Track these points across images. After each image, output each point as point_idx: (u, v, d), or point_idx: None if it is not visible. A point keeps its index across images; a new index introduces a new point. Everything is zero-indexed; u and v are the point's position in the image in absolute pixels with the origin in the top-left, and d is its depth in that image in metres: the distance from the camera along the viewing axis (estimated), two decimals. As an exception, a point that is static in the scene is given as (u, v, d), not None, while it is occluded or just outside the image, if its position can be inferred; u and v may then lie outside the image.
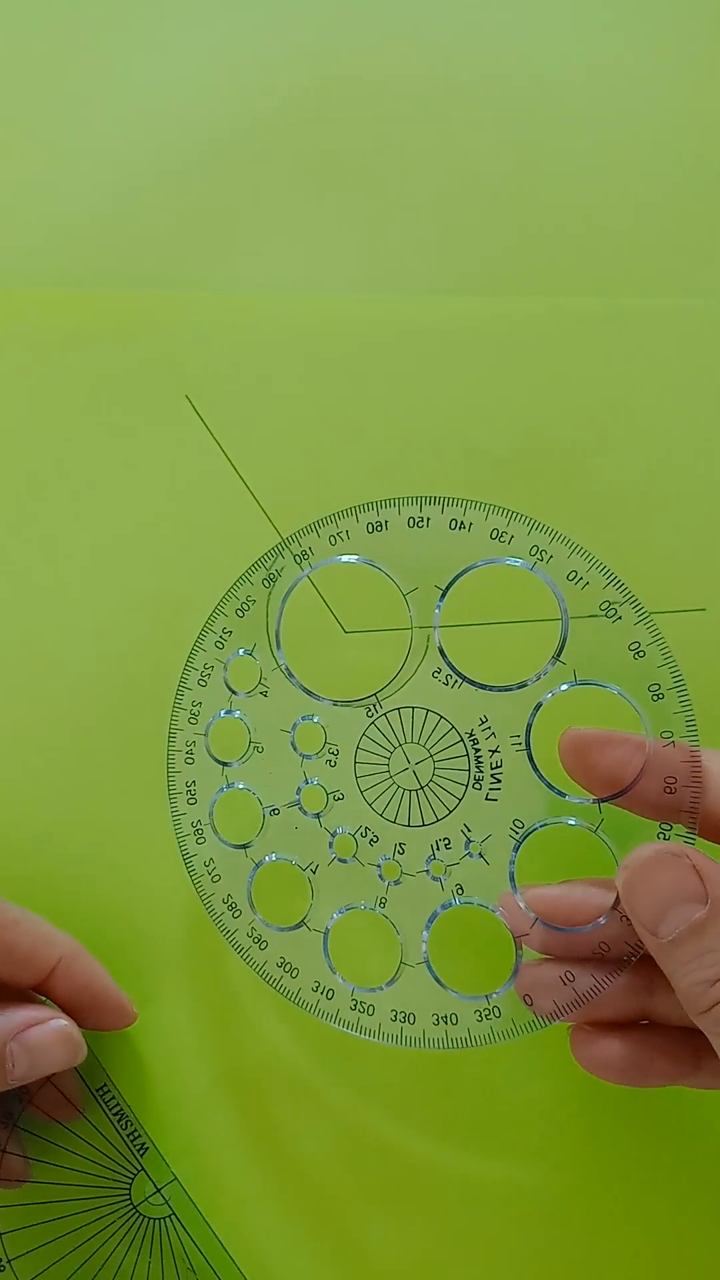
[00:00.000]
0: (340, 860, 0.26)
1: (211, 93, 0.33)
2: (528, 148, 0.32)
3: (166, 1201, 0.26)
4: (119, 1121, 0.27)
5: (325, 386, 0.31)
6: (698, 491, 0.30)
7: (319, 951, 0.26)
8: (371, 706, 0.26)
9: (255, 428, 0.31)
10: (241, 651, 0.27)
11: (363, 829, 0.26)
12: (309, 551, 0.26)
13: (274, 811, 0.27)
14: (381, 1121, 0.27)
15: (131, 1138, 0.27)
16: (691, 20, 0.32)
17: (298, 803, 0.26)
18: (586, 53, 0.32)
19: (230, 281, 0.32)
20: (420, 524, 0.25)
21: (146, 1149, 0.27)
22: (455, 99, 0.32)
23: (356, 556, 0.26)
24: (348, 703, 0.26)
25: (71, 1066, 0.26)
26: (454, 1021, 0.25)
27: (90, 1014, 0.27)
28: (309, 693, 0.26)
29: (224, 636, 0.27)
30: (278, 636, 0.27)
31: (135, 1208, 0.26)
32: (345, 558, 0.26)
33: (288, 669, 0.27)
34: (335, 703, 0.26)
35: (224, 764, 0.27)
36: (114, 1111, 0.27)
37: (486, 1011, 0.25)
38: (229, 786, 0.27)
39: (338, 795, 0.26)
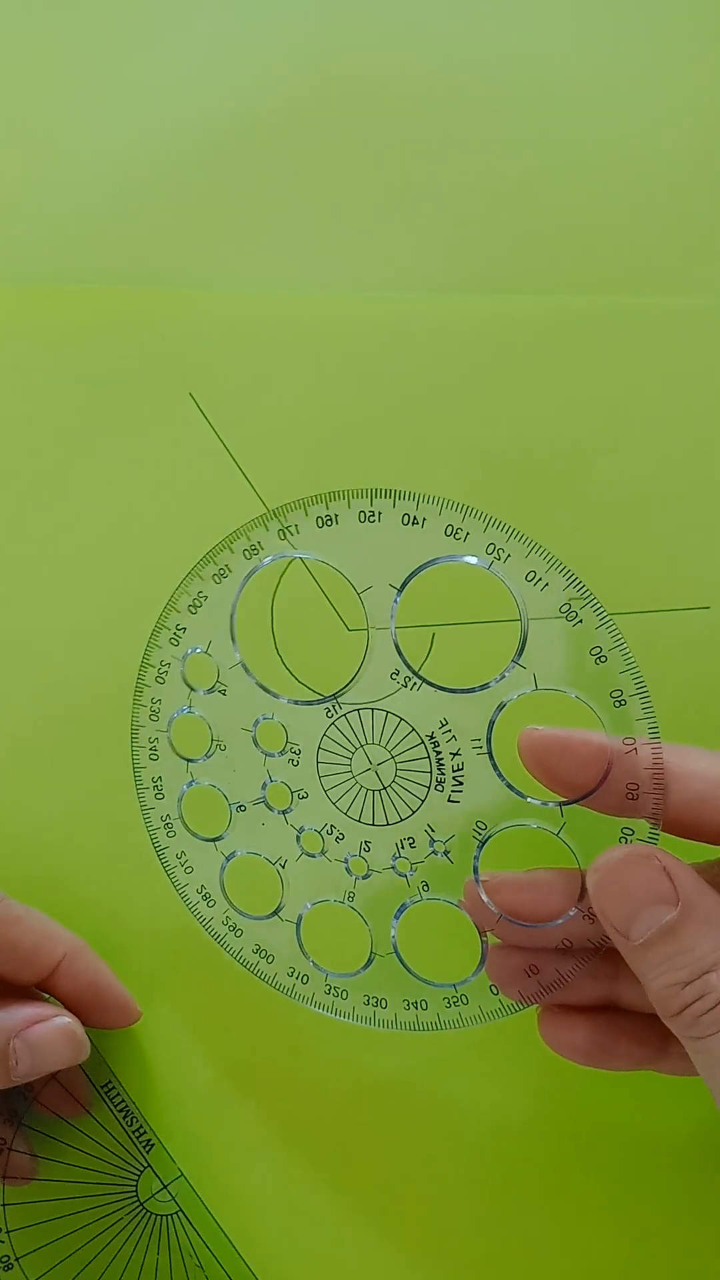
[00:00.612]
0: (308, 855, 0.26)
1: (215, 89, 0.32)
2: (531, 145, 0.31)
3: (173, 1198, 0.27)
4: (124, 1118, 0.28)
5: (329, 384, 0.31)
6: (701, 489, 0.29)
7: (293, 939, 0.27)
8: (330, 707, 0.25)
9: (259, 425, 0.30)
10: (198, 649, 0.26)
11: (328, 826, 0.26)
12: (258, 546, 0.25)
13: (240, 808, 0.27)
14: (386, 1116, 0.28)
15: (137, 1134, 0.28)
16: (695, 18, 0.31)
17: (263, 799, 0.26)
18: (589, 51, 0.32)
19: (234, 279, 0.31)
20: (371, 519, 0.24)
21: (152, 1145, 0.28)
22: (458, 97, 0.32)
23: (308, 553, 0.24)
24: (305, 702, 0.25)
25: (75, 1064, 0.27)
26: (424, 1007, 0.26)
27: (94, 1011, 0.28)
28: (266, 690, 0.26)
29: (178, 633, 0.26)
30: (233, 632, 0.26)
31: (142, 1204, 0.27)
32: (296, 553, 0.25)
33: (244, 665, 0.26)
34: (293, 701, 0.25)
35: (188, 760, 0.27)
36: (119, 1108, 0.28)
37: (455, 999, 0.25)
38: (194, 783, 0.27)
39: (302, 794, 0.26)
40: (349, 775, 0.25)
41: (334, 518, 0.24)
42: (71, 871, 0.30)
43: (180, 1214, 0.27)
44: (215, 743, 0.26)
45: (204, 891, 0.27)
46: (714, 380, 0.29)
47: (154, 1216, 0.27)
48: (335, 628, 0.29)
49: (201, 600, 0.26)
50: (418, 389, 0.30)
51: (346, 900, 0.26)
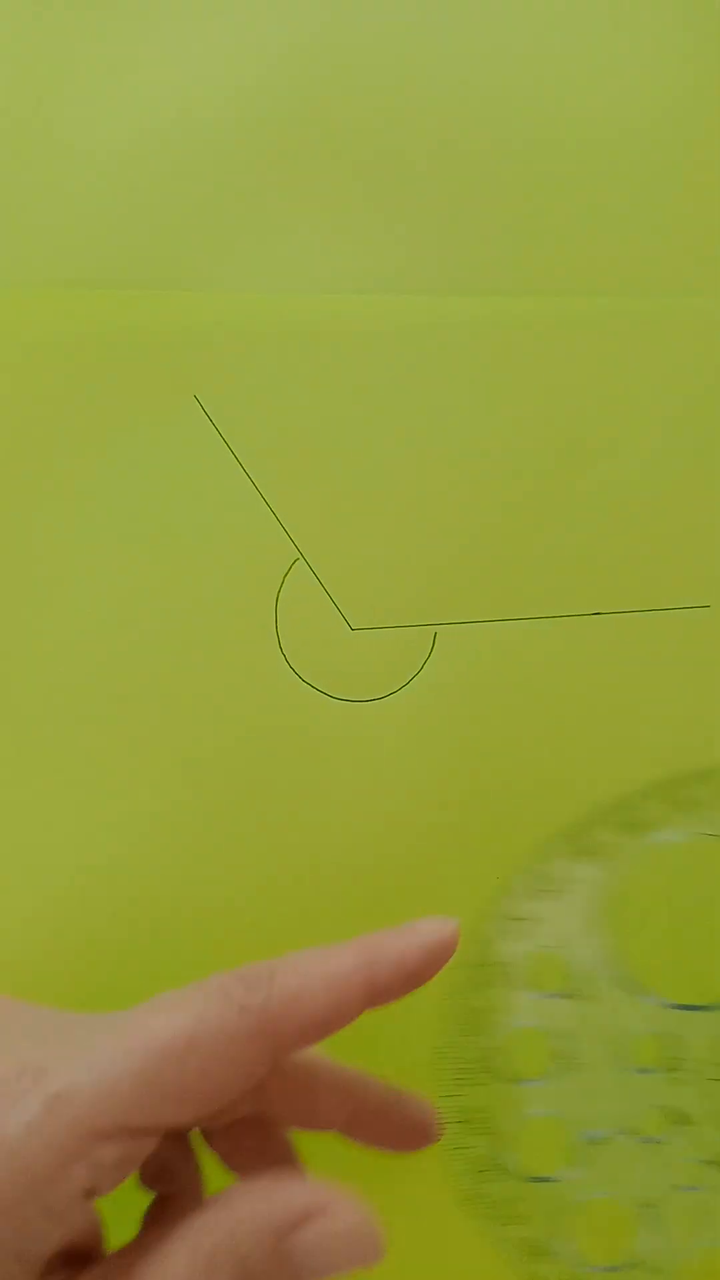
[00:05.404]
0: (689, 1190, 0.22)
1: (216, 91, 0.32)
2: (531, 146, 0.32)
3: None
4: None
5: (334, 387, 0.30)
6: (700, 487, 0.29)
7: None
8: (723, 1010, 0.22)
9: (265, 428, 0.30)
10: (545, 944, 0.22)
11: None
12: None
13: (594, 1137, 0.22)
14: None
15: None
16: (696, 17, 0.32)
17: (629, 1126, 0.22)
18: (589, 50, 0.32)
19: (237, 282, 0.31)
20: None
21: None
22: (460, 98, 0.32)
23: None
24: (696, 1007, 0.22)
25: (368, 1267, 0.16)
26: None
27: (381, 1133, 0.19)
28: (641, 992, 0.22)
29: (518, 923, 0.22)
30: (596, 922, 0.22)
31: None
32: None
33: (609, 962, 0.22)
34: (678, 1007, 0.22)
35: (522, 1082, 0.22)
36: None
37: None
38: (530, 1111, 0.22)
39: (683, 1117, 0.22)
40: (743, 1089, 0.22)
41: None
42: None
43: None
44: (561, 1059, 0.22)
45: (535, 1245, 0.22)
46: (713, 379, 0.30)
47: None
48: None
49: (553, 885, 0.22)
50: (422, 391, 0.30)
51: (740, 1244, 0.22)
